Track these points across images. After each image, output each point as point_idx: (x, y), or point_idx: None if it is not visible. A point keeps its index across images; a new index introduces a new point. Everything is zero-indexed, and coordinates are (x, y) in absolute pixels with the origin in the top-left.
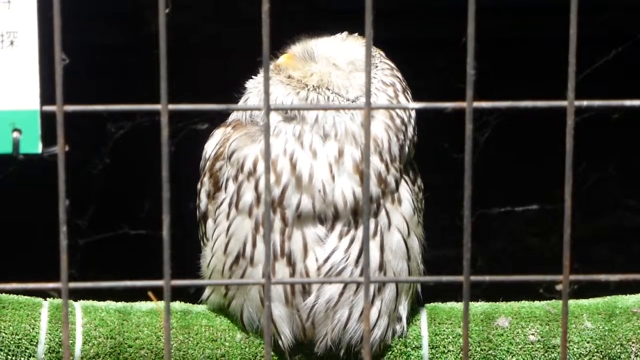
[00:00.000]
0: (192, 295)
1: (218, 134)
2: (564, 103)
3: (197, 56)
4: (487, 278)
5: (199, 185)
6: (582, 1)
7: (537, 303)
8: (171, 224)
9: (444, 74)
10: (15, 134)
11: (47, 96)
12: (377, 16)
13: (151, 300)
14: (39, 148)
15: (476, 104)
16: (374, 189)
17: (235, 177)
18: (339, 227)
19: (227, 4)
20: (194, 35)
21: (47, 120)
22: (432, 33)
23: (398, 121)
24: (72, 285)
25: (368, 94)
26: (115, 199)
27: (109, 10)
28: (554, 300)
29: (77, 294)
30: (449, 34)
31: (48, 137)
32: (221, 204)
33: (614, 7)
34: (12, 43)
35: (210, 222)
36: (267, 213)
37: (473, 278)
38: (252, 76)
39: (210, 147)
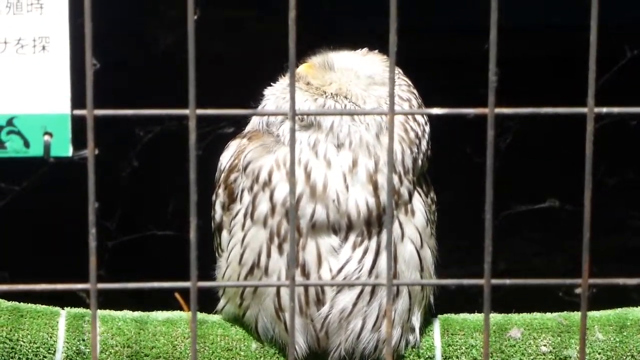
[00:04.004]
0: (207, 306)
1: (233, 146)
2: (583, 110)
3: (203, 70)
4: (508, 281)
5: (213, 197)
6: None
7: (549, 315)
8: (197, 226)
9: (446, 92)
10: (46, 137)
11: (76, 100)
12: (384, 36)
13: (177, 302)
14: (69, 151)
15: (498, 110)
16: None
17: (251, 188)
18: (352, 237)
19: (234, 22)
20: (201, 51)
21: (77, 124)
22: (435, 51)
23: (412, 134)
24: (101, 286)
25: (392, 99)
26: (143, 201)
27: (117, 28)
28: (565, 312)
29: (98, 299)
30: (451, 52)
31: (78, 140)
32: (236, 215)
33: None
34: (44, 48)
35: (225, 233)
36: (292, 216)
37: (494, 281)
38: (267, 86)
39: (225, 159)
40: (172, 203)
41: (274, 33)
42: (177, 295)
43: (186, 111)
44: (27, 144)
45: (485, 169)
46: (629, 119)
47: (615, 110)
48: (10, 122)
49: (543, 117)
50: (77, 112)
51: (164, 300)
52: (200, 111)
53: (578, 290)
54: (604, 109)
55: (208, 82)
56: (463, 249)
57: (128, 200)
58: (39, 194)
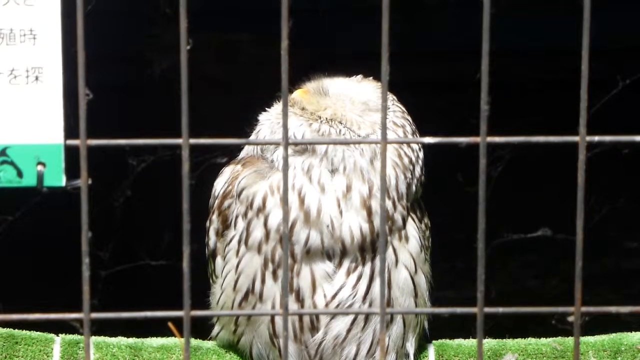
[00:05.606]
0: (202, 332)
1: (227, 172)
2: (575, 138)
3: (199, 94)
4: (501, 310)
5: (207, 223)
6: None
7: (543, 340)
8: (191, 256)
9: (442, 115)
10: (40, 167)
11: (69, 130)
12: (377, 59)
13: (171, 331)
14: (62, 181)
15: (490, 139)
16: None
17: (245, 214)
18: (346, 263)
19: (229, 46)
20: (197, 75)
21: (71, 153)
22: (432, 75)
23: (406, 160)
24: (94, 315)
25: (384, 128)
26: (136, 231)
27: (111, 51)
28: (560, 337)
29: (92, 328)
30: (448, 76)
31: (71, 170)
32: (230, 241)
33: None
34: (37, 78)
35: (219, 259)
36: (285, 244)
37: (487, 309)
38: (263, 111)
39: (219, 185)
40: (165, 232)
41: (269, 57)
42: (170, 324)
43: (179, 140)
44: (20, 174)
45: (478, 198)
46: (621, 147)
47: (607, 138)
48: (3, 152)
49: (535, 145)
50: (71, 142)
51: (159, 327)
52: (193, 141)
53: (571, 318)
54: (596, 138)
55: (202, 107)
56: (458, 270)
57: (121, 229)
58: (32, 224)
